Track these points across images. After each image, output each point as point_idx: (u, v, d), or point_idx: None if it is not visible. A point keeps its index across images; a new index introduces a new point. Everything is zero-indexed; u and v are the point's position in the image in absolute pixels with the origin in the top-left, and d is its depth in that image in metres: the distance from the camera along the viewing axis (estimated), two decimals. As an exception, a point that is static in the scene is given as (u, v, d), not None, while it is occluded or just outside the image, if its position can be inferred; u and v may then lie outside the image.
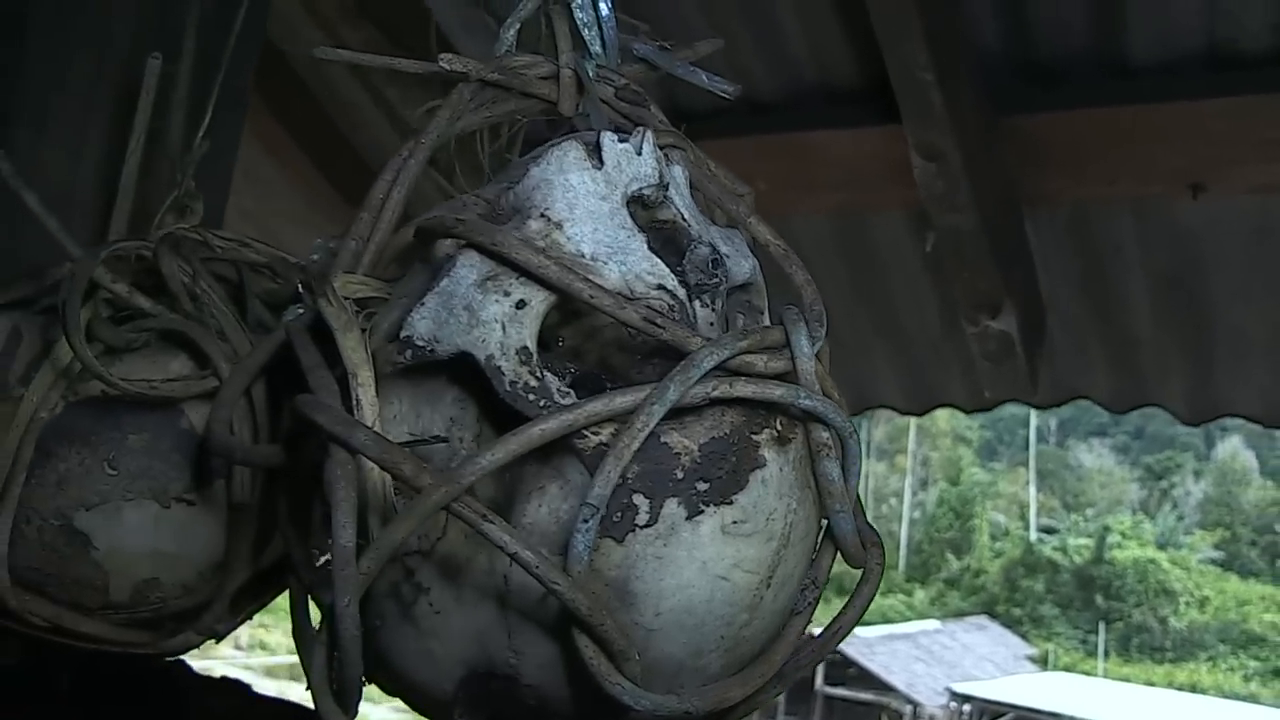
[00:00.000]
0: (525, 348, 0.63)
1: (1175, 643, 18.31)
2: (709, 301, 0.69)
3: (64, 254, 0.96)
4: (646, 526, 0.62)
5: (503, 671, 0.65)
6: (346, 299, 0.72)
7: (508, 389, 0.63)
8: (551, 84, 0.84)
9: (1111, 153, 1.80)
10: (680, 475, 0.63)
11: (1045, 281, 2.12)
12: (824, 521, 0.71)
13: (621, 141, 0.70)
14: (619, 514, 0.61)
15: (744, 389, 0.65)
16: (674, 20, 1.89)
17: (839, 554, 0.71)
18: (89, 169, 1.15)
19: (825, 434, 0.68)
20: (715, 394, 0.64)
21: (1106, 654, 18.69)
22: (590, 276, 0.64)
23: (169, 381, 0.81)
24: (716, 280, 0.69)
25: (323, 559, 0.67)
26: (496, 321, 0.63)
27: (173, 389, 0.80)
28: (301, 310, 0.82)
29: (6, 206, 1.14)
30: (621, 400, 0.61)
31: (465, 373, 0.67)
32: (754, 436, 0.66)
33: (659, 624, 0.63)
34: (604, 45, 0.86)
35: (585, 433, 0.61)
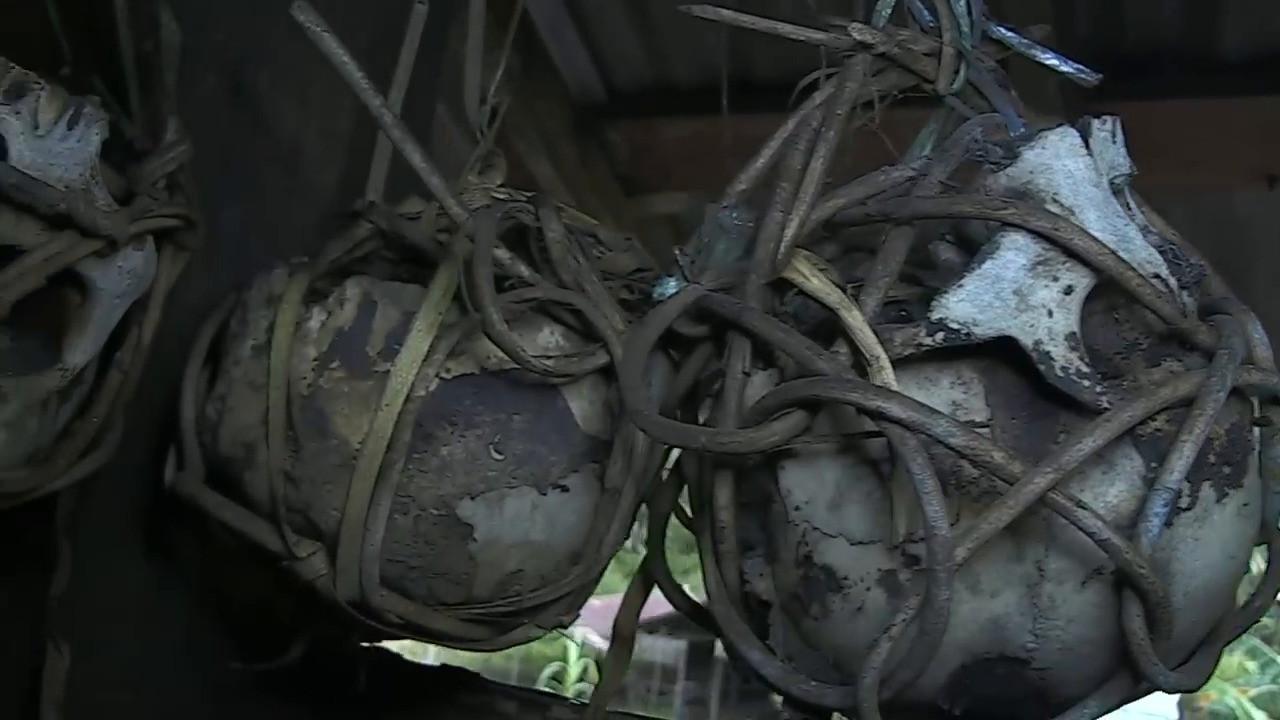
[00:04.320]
0: (1073, 333, 0.63)
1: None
2: (1193, 292, 0.70)
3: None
4: (1188, 510, 0.63)
5: (1014, 655, 0.65)
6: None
7: (1059, 374, 0.62)
8: (931, 61, 0.83)
9: (1191, 143, 1.87)
10: (1212, 460, 0.64)
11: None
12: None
13: (1101, 128, 0.70)
14: (1168, 499, 0.62)
15: (1254, 377, 0.66)
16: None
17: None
18: (314, 119, 1.08)
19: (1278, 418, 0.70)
20: (1238, 383, 0.64)
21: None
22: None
23: (566, 358, 0.77)
24: (1202, 271, 0.70)
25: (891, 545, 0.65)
26: (1044, 306, 0.63)
27: (569, 365, 0.76)
28: (674, 285, 0.79)
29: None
30: (1184, 387, 0.61)
31: (965, 356, 0.66)
32: (1246, 421, 0.67)
33: (1183, 604, 0.64)
34: (971, 24, 0.85)
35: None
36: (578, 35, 2.11)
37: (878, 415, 0.59)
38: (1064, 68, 0.88)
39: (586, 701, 1.16)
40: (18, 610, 0.98)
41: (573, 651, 10.69)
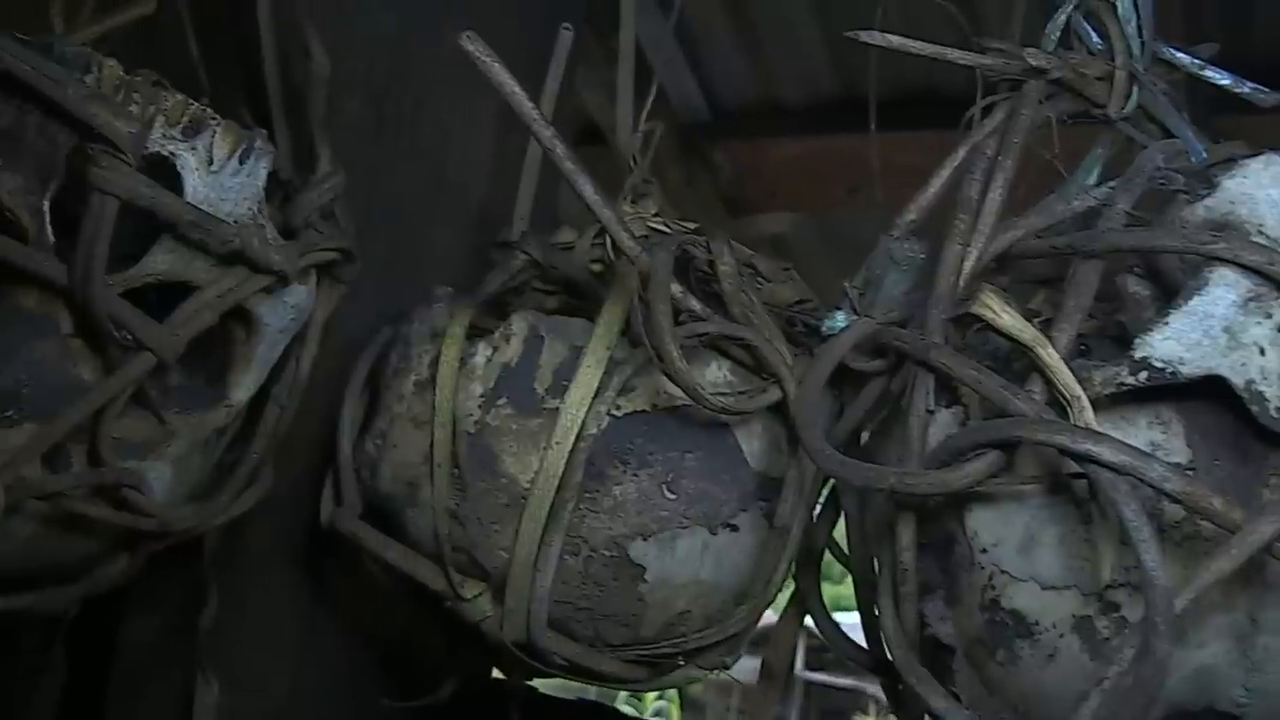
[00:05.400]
0: (1289, 372, 0.60)
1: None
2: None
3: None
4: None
5: (1223, 709, 0.62)
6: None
7: (1274, 415, 0.60)
8: (1104, 85, 0.80)
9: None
10: None
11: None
12: None
13: (1303, 154, 0.67)
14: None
15: None
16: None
17: None
18: (455, 144, 1.08)
19: None
20: None
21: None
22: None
23: (740, 394, 0.75)
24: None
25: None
26: (1256, 345, 0.60)
27: (744, 402, 0.75)
28: (844, 318, 0.77)
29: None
30: None
31: (1163, 395, 0.64)
32: None
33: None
34: (1142, 46, 0.82)
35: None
36: (682, 54, 2.10)
37: (1086, 459, 0.57)
38: (1240, 88, 0.85)
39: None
40: (170, 643, 0.99)
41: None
